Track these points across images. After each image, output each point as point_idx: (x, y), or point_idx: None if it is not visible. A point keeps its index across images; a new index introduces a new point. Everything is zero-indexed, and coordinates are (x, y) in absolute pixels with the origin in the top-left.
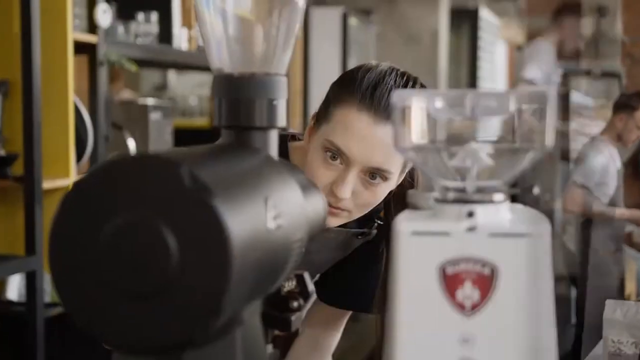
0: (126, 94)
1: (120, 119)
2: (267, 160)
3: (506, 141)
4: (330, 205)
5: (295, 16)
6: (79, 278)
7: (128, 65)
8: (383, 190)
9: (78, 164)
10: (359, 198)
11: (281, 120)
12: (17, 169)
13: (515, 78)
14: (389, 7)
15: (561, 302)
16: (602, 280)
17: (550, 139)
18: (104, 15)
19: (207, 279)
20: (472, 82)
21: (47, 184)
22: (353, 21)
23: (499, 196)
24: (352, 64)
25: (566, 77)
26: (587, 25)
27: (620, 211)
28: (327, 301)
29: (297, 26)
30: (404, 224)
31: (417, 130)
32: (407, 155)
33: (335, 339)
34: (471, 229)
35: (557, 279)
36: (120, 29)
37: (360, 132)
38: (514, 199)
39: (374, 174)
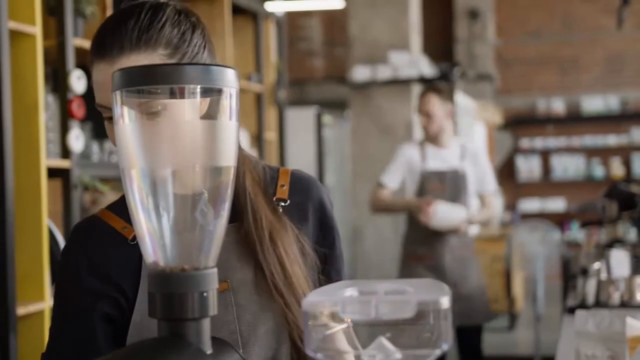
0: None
1: None
2: (196, 354)
3: (413, 335)
4: None
5: (221, 220)
6: None
7: (100, 187)
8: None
9: (53, 286)
10: None
11: (212, 309)
12: None
13: (494, 158)
14: (363, 101)
15: None
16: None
17: (448, 339)
18: (77, 140)
19: None
20: None
21: (21, 310)
22: (327, 119)
23: None
24: (327, 160)
25: None
26: None
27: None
28: None
29: (225, 217)
30: None
31: (327, 332)
32: (317, 355)
33: None
34: None
35: None
36: (95, 147)
37: (105, 82)
38: None
39: None
